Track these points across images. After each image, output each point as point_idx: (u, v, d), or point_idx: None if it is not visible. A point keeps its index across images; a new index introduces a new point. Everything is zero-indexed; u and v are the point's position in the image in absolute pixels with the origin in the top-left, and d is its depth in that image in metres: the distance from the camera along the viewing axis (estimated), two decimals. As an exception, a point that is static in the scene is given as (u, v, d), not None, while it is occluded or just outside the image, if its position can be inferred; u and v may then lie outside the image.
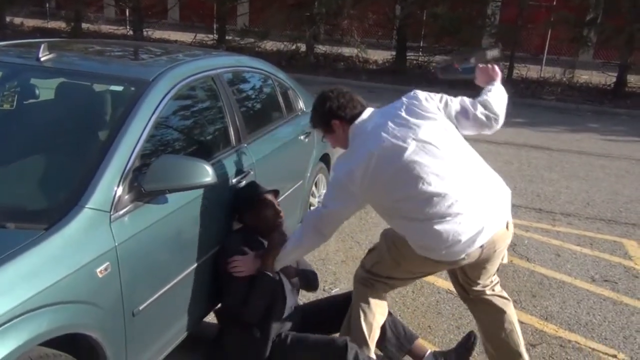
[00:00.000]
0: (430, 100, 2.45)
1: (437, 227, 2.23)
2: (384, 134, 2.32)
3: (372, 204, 2.47)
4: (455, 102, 2.49)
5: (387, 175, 2.29)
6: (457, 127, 2.46)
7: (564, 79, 13.43)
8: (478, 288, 2.63)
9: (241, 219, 2.74)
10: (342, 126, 2.51)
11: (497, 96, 2.54)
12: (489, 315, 2.65)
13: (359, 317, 2.58)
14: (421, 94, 2.47)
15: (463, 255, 2.30)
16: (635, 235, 4.92)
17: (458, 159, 2.34)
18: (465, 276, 2.61)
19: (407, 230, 2.35)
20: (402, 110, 2.40)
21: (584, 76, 14.19)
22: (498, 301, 2.64)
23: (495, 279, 2.67)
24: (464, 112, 2.48)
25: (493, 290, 2.65)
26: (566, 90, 12.76)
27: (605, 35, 12.91)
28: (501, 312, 2.62)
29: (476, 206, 2.28)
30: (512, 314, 2.65)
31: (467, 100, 2.51)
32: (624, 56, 12.56)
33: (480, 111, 2.47)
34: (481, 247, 2.31)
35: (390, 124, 2.35)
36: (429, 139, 2.31)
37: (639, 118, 10.93)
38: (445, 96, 2.50)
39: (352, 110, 2.50)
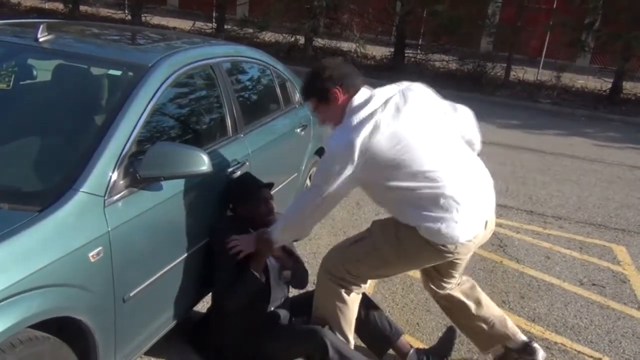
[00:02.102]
0: (430, 93, 2.46)
1: (444, 203, 2.25)
2: (386, 111, 2.27)
3: (371, 183, 2.37)
4: (463, 115, 2.53)
5: (389, 153, 2.23)
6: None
7: (560, 83, 13.48)
8: (450, 286, 2.70)
9: (234, 208, 2.74)
10: (342, 97, 2.39)
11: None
12: (468, 300, 2.74)
13: (337, 317, 2.57)
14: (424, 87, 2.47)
15: (471, 237, 2.32)
16: (624, 240, 4.96)
17: (451, 146, 2.37)
18: (440, 275, 2.66)
19: (420, 208, 2.30)
20: (408, 92, 2.36)
21: (580, 81, 14.24)
22: (466, 286, 2.76)
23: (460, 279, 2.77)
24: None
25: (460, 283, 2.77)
26: (562, 94, 12.81)
27: (602, 40, 12.97)
28: (473, 289, 2.75)
29: (474, 190, 2.34)
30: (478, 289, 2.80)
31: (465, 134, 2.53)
32: (620, 63, 12.62)
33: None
34: (485, 226, 2.39)
35: (393, 102, 2.30)
36: (425, 126, 2.31)
37: (632, 125, 11.00)
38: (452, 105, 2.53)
39: (354, 81, 2.41)
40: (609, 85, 13.07)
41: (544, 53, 14.36)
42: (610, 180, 6.90)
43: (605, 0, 12.32)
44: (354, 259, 2.54)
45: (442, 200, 2.25)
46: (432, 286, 2.75)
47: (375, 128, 2.22)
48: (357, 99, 2.35)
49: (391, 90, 2.38)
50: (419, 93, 2.40)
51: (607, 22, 13.02)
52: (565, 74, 13.55)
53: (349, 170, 2.25)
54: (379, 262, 2.50)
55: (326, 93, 2.41)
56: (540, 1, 13.95)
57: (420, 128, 2.29)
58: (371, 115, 2.25)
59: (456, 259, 2.51)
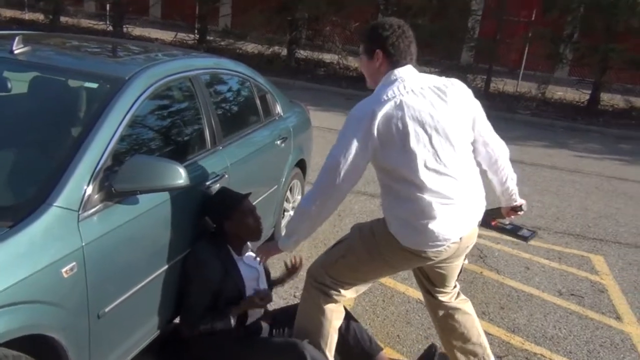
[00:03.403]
0: (468, 94, 2.41)
1: (430, 202, 2.22)
2: (417, 97, 2.25)
3: (379, 163, 2.31)
4: (483, 125, 2.47)
5: (402, 135, 2.20)
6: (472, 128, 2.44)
7: (539, 95, 13.67)
8: (445, 298, 2.66)
9: (219, 226, 2.68)
10: (383, 62, 2.33)
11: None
12: (463, 319, 2.70)
13: (317, 328, 2.56)
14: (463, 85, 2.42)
15: (445, 246, 2.30)
16: (602, 250, 5.02)
17: (460, 150, 2.33)
18: (431, 283, 2.65)
19: (399, 204, 2.29)
20: (446, 87, 2.32)
21: (559, 92, 14.46)
22: (463, 305, 2.72)
23: (457, 287, 2.73)
24: (478, 139, 2.46)
25: (458, 296, 2.73)
26: (541, 106, 12.99)
27: (580, 53, 13.21)
28: (467, 314, 2.71)
29: (465, 198, 2.31)
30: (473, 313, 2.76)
31: (490, 143, 2.50)
32: (598, 75, 12.85)
33: (483, 162, 2.52)
34: (460, 239, 2.34)
35: (427, 92, 2.27)
36: (448, 123, 2.27)
37: (610, 136, 11.18)
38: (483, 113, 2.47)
39: (404, 56, 2.33)
40: (587, 97, 13.29)
41: (523, 65, 14.56)
42: (589, 191, 6.99)
43: (583, 13, 12.56)
44: (333, 260, 2.55)
45: (418, 205, 2.23)
46: (431, 300, 2.71)
47: (399, 108, 2.20)
48: (397, 74, 2.30)
49: (432, 80, 2.35)
50: (458, 91, 2.36)
51: (584, 34, 13.27)
52: (543, 85, 13.76)
53: (364, 138, 2.21)
54: (356, 263, 2.49)
55: (370, 49, 2.37)
56: (519, 14, 14.17)
57: (434, 125, 2.24)
58: (400, 95, 2.23)
59: (438, 266, 2.50)
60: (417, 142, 2.20)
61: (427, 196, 2.22)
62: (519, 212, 2.72)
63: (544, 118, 11.94)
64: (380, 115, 2.19)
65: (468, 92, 2.41)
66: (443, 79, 2.38)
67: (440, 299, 2.67)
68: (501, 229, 2.93)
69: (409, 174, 2.22)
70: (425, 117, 2.22)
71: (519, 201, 2.69)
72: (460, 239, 2.35)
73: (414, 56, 2.38)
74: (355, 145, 2.22)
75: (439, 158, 2.24)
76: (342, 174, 2.25)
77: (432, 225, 2.23)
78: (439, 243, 2.28)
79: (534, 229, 3.14)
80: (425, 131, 2.22)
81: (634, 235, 5.53)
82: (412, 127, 2.20)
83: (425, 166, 2.22)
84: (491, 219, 2.83)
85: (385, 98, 2.23)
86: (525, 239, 2.92)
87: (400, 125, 2.19)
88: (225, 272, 2.57)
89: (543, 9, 13.04)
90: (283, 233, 2.49)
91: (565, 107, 13.33)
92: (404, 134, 2.20)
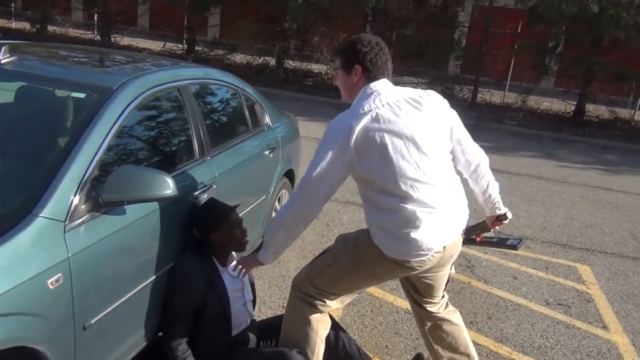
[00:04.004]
0: (444, 104, 2.44)
1: (412, 212, 2.22)
2: (392, 109, 2.28)
3: (358, 175, 2.34)
4: (461, 134, 2.49)
5: (379, 147, 2.23)
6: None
7: (526, 105, 13.82)
8: (433, 309, 2.66)
9: (206, 238, 2.66)
10: (360, 77, 2.39)
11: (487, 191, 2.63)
12: (451, 329, 2.70)
13: (304, 339, 2.55)
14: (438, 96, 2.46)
15: (429, 255, 2.30)
16: (588, 260, 5.06)
17: (439, 159, 2.35)
18: (418, 294, 2.65)
19: (381, 215, 2.30)
20: (422, 98, 2.37)
21: (545, 103, 14.63)
22: (451, 316, 2.72)
23: (445, 297, 2.73)
24: (456, 148, 2.49)
25: (446, 306, 2.74)
26: (527, 116, 13.13)
27: (565, 64, 13.39)
28: (456, 325, 2.71)
29: (447, 206, 2.32)
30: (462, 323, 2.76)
31: (468, 151, 2.52)
32: (583, 86, 13.03)
33: (463, 170, 2.55)
34: (444, 248, 2.34)
35: (403, 104, 2.31)
36: (425, 133, 2.30)
37: (595, 146, 11.32)
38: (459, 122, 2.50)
39: (381, 71, 2.39)
40: (573, 108, 13.47)
41: (509, 76, 14.74)
42: (575, 201, 7.06)
43: (568, 25, 12.75)
44: (317, 270, 2.54)
45: (400, 215, 2.24)
46: (420, 310, 2.71)
47: (376, 121, 2.24)
48: (373, 87, 2.35)
49: (408, 92, 2.39)
50: (433, 102, 2.39)
51: (569, 46, 13.46)
52: (530, 96, 13.92)
53: (341, 151, 2.25)
54: (341, 273, 2.48)
55: (349, 64, 2.41)
56: (505, 25, 14.35)
57: (411, 136, 2.27)
58: (377, 108, 2.27)
59: (424, 276, 2.51)
60: (395, 153, 2.23)
61: (408, 206, 2.23)
62: (504, 221, 2.72)
63: (531, 128, 12.07)
64: (357, 129, 2.23)
65: (444, 102, 2.45)
66: (419, 90, 2.43)
67: (428, 310, 2.68)
68: (488, 243, 2.92)
69: (389, 184, 2.24)
70: (402, 128, 2.26)
71: (503, 209, 2.70)
72: (444, 248, 2.36)
73: (390, 72, 2.44)
74: (331, 157, 2.26)
75: (418, 167, 2.25)
76: (319, 184, 2.30)
77: (415, 235, 2.24)
78: (422, 252, 2.28)
79: (521, 237, 3.16)
80: (403, 142, 2.25)
81: (620, 245, 5.58)
82: (390, 139, 2.23)
83: (405, 176, 2.23)
84: (475, 235, 2.83)
85: (362, 111, 2.27)
86: (514, 247, 2.90)
87: (377, 137, 2.23)
88: (210, 283, 2.56)
89: (528, 21, 13.22)
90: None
91: (551, 117, 13.48)
92: (382, 146, 2.23)
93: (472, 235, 2.81)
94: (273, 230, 2.46)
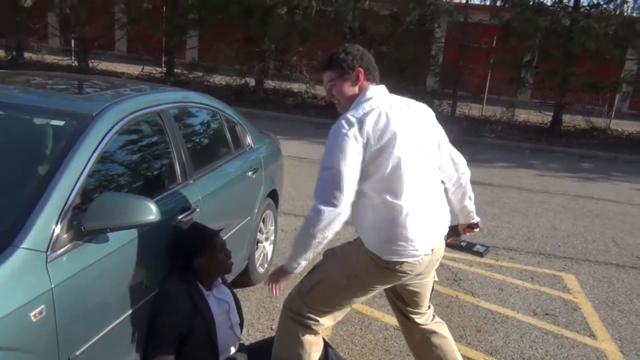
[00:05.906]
0: (433, 116, 2.54)
1: (407, 211, 2.28)
2: (393, 111, 2.35)
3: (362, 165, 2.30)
4: (446, 145, 2.57)
5: (382, 144, 2.27)
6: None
7: (504, 118, 14.01)
8: (420, 320, 2.67)
9: (189, 262, 2.62)
10: (363, 80, 2.44)
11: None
12: (440, 342, 2.70)
13: (296, 359, 2.52)
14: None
15: (421, 256, 2.34)
16: (573, 269, 5.10)
17: (430, 164, 2.44)
18: (405, 304, 2.65)
19: (377, 214, 2.32)
20: (413, 106, 2.46)
21: (522, 115, 14.84)
22: (439, 327, 2.73)
23: (431, 309, 2.75)
24: (443, 158, 2.57)
25: (433, 318, 2.75)
26: (506, 129, 13.31)
27: (540, 77, 13.64)
28: (444, 337, 2.72)
29: (435, 209, 2.42)
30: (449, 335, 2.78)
31: (455, 161, 2.62)
32: (559, 97, 13.27)
33: (445, 180, 2.62)
34: (432, 250, 2.40)
35: (400, 107, 2.40)
36: (421, 137, 2.40)
37: (573, 155, 11.49)
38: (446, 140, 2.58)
39: (376, 74, 2.49)
40: (550, 119, 13.69)
41: (486, 89, 14.95)
42: (556, 210, 7.13)
43: (541, 38, 13.01)
44: (308, 288, 2.53)
45: (396, 213, 2.28)
46: (407, 323, 2.71)
47: (379, 119, 2.30)
48: (373, 91, 2.42)
49: (403, 99, 2.49)
50: (425, 112, 2.51)
51: (543, 59, 13.72)
52: (508, 109, 14.12)
53: (354, 145, 2.24)
54: (332, 288, 2.47)
55: (351, 69, 2.43)
56: (480, 40, 14.59)
57: (411, 137, 2.34)
58: (379, 107, 2.34)
59: (410, 283, 2.52)
60: (397, 151, 2.28)
61: (404, 204, 2.28)
62: (475, 229, 2.86)
63: (510, 140, 12.23)
64: (362, 124, 2.27)
65: (433, 115, 2.56)
66: (412, 100, 2.52)
67: (415, 321, 2.68)
68: (456, 246, 3.06)
69: (388, 181, 2.29)
70: (403, 128, 2.32)
71: (476, 219, 2.83)
72: (432, 250, 2.42)
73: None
74: (349, 151, 2.24)
75: (416, 168, 2.33)
76: (344, 179, 2.23)
77: (410, 234, 2.29)
78: (416, 253, 2.33)
79: (487, 245, 3.26)
80: (403, 141, 2.30)
81: (602, 253, 5.64)
82: (392, 137, 2.29)
83: (404, 175, 2.29)
84: (447, 236, 2.90)
85: (365, 110, 2.33)
86: (480, 254, 3.07)
87: (380, 134, 2.28)
88: (195, 307, 2.52)
89: (502, 36, 13.47)
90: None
91: (530, 129, 13.68)
92: (384, 143, 2.28)
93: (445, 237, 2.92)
94: (305, 239, 2.32)
